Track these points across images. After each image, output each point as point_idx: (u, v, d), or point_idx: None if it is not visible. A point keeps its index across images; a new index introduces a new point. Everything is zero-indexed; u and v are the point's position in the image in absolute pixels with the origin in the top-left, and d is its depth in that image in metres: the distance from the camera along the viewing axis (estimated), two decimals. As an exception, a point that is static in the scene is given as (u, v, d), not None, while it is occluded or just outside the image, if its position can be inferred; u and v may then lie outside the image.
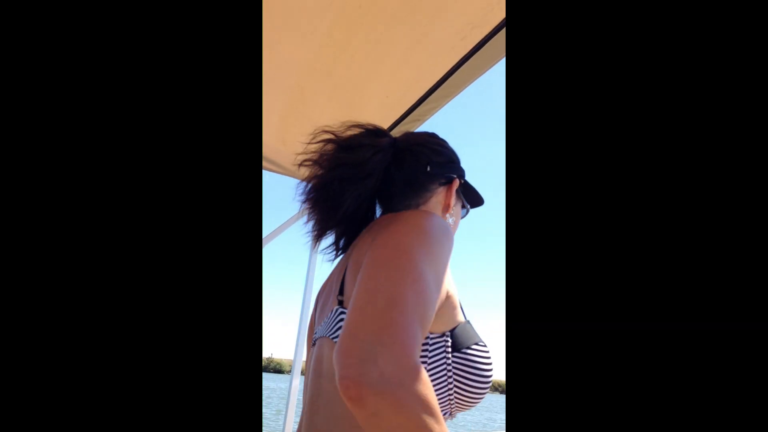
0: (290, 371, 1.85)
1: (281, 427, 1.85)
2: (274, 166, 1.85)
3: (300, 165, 0.78)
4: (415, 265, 0.56)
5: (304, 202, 0.77)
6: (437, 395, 0.60)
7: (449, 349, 0.62)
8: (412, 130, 1.58)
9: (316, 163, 0.75)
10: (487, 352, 0.64)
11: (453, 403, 0.63)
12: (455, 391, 0.62)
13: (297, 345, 1.89)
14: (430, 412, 0.48)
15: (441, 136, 0.86)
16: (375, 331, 0.49)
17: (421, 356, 0.61)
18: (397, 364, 0.48)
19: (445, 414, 0.62)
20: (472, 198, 0.88)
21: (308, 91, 1.42)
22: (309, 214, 0.78)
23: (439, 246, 0.60)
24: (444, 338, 0.63)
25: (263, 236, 1.99)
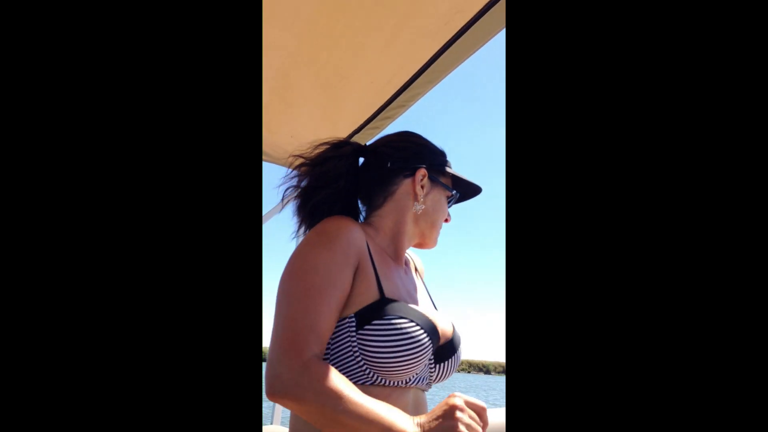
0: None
1: (270, 413, 1.88)
2: (259, 153, 1.85)
3: (284, 195, 0.91)
4: (301, 276, 0.70)
5: (295, 217, 0.90)
6: (351, 369, 0.70)
7: (353, 328, 0.71)
8: (397, 115, 1.58)
9: (296, 187, 0.89)
10: (399, 323, 0.71)
11: (376, 373, 0.71)
12: (368, 363, 0.70)
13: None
14: (330, 394, 0.60)
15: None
16: (274, 348, 0.64)
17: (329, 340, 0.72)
18: (289, 367, 0.61)
19: (374, 382, 0.71)
20: (465, 186, 0.95)
21: (292, 78, 1.41)
22: (296, 222, 0.91)
23: (325, 247, 0.72)
24: (349, 320, 0.72)
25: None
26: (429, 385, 0.82)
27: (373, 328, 0.70)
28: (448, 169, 0.92)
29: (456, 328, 0.86)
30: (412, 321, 0.72)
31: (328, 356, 0.72)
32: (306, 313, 0.67)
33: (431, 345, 0.74)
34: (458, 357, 0.84)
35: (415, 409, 0.77)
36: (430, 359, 0.78)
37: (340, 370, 0.70)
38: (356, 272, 0.75)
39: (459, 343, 0.85)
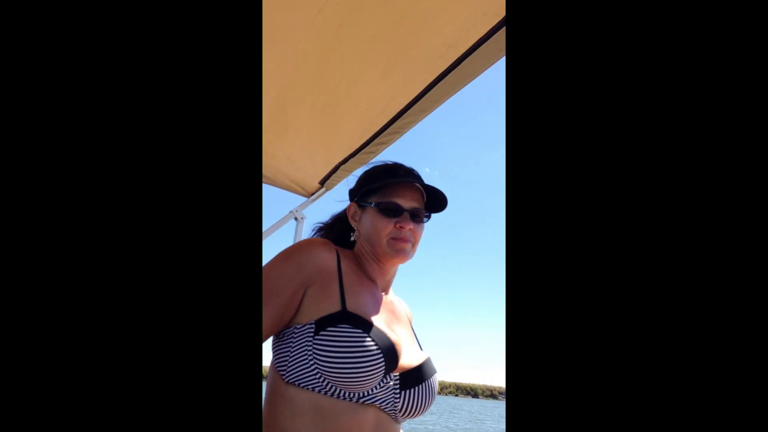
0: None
1: None
2: (256, 175, 1.88)
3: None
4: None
5: None
6: (305, 374, 0.76)
7: (311, 334, 0.78)
8: (391, 142, 1.62)
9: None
10: (352, 331, 0.77)
11: (327, 380, 0.75)
12: (320, 368, 0.75)
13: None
14: None
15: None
16: None
17: (286, 342, 0.81)
18: None
19: (328, 392, 0.76)
20: (393, 184, 0.98)
21: (290, 104, 1.45)
22: None
23: (279, 261, 0.84)
24: (308, 326, 0.79)
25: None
26: (398, 413, 0.82)
27: (327, 335, 0.77)
28: (373, 186, 0.97)
29: (431, 363, 0.89)
30: (365, 333, 0.78)
31: (287, 360, 0.79)
32: (264, 321, 0.79)
33: (382, 360, 0.78)
34: (427, 389, 0.85)
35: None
36: (395, 383, 0.81)
37: (296, 375, 0.77)
38: (314, 286, 0.83)
39: (429, 376, 0.86)
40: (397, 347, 0.83)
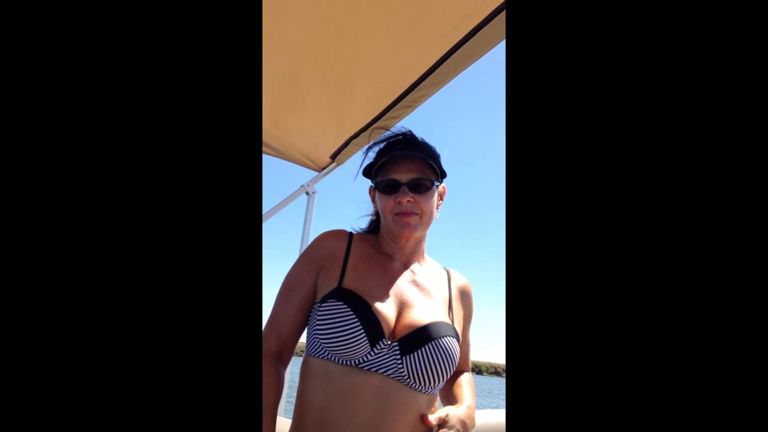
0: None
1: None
2: (266, 148, 1.87)
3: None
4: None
5: None
6: (311, 340, 0.91)
7: (315, 309, 0.93)
8: (404, 116, 1.60)
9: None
10: (334, 305, 0.88)
11: (322, 345, 0.88)
12: (316, 336, 0.88)
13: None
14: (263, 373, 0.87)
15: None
16: None
17: (309, 321, 0.95)
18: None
19: (326, 356, 0.88)
20: (392, 158, 1.01)
21: (301, 76, 1.43)
22: None
23: (298, 259, 1.01)
24: (317, 304, 0.93)
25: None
26: (406, 378, 0.85)
27: (321, 310, 0.90)
28: (376, 165, 1.00)
29: (437, 326, 0.90)
30: (346, 306, 0.88)
31: (307, 334, 0.95)
32: (274, 314, 0.96)
33: (361, 329, 0.86)
34: (429, 353, 0.87)
35: (380, 398, 0.84)
36: (393, 350, 0.87)
37: (310, 346, 0.92)
38: (323, 271, 0.97)
39: (430, 339, 0.88)
40: (384, 317, 0.88)
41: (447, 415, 0.88)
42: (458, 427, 0.88)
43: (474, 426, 0.94)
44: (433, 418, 0.86)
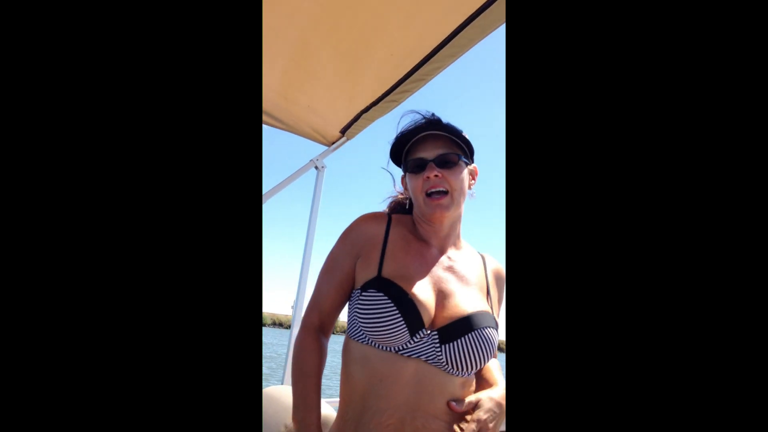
0: (290, 326, 1.92)
1: (282, 374, 1.94)
2: (275, 121, 1.85)
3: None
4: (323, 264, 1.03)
5: None
6: (354, 327, 0.94)
7: (357, 298, 0.95)
8: (415, 90, 1.57)
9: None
10: (374, 295, 0.91)
11: (364, 333, 0.92)
12: (359, 323, 0.92)
13: (296, 301, 1.95)
14: (298, 358, 0.95)
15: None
16: None
17: (349, 305, 0.99)
18: (301, 327, 0.99)
19: (367, 342, 0.92)
20: (414, 142, 1.02)
21: (312, 46, 1.40)
22: None
23: (338, 242, 1.03)
24: (357, 291, 0.97)
25: (263, 192, 2.00)
26: (445, 365, 0.88)
27: (362, 299, 0.93)
28: (404, 151, 1.02)
29: (478, 317, 0.92)
30: (386, 297, 0.90)
31: (348, 319, 0.98)
32: (316, 292, 1.02)
33: (401, 321, 0.89)
34: (469, 343, 0.89)
35: (416, 381, 0.87)
36: (433, 339, 0.89)
37: (352, 330, 0.95)
38: (362, 257, 0.99)
39: (470, 330, 0.90)
40: (424, 306, 0.90)
41: (481, 399, 0.91)
42: (495, 409, 0.90)
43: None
44: (471, 398, 0.90)
